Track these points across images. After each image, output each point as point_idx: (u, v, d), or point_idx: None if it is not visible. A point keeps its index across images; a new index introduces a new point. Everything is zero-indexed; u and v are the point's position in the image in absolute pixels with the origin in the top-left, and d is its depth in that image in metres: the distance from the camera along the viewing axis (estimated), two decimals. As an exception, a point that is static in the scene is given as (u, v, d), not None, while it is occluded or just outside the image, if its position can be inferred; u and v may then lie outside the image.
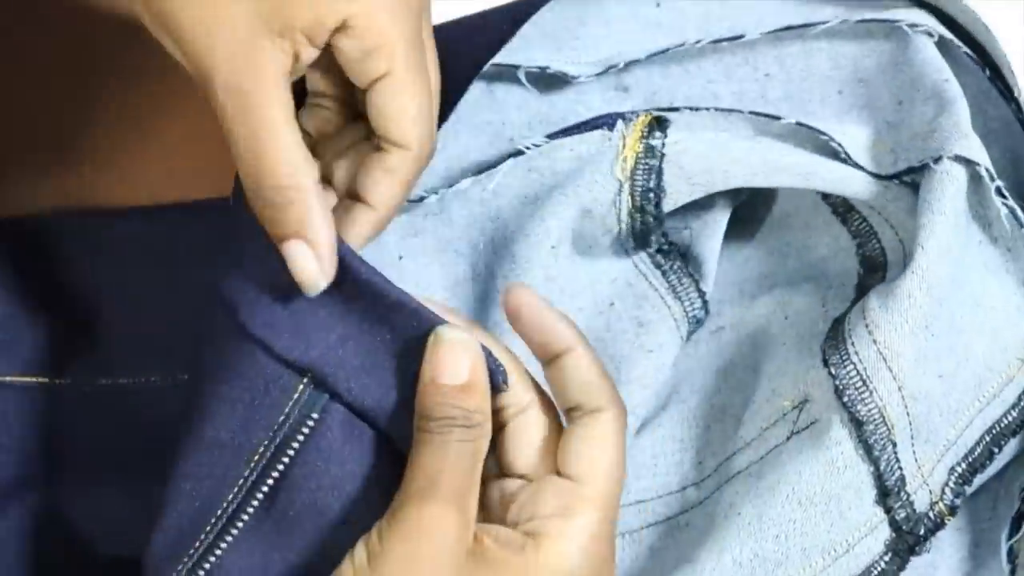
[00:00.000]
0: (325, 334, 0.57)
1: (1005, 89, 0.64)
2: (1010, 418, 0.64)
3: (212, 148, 0.74)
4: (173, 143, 0.75)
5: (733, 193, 0.68)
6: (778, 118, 0.64)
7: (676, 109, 0.64)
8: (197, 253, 0.73)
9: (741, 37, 0.64)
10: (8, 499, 0.69)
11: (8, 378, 0.71)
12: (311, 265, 0.56)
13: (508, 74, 0.66)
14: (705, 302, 0.68)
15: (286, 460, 0.58)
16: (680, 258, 0.68)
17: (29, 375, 0.72)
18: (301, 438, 0.58)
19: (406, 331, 0.57)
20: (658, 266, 0.67)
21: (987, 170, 0.61)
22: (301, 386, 0.58)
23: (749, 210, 0.69)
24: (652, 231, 0.65)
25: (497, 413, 0.57)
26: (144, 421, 0.71)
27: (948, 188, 0.61)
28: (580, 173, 0.65)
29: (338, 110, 0.61)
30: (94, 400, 0.72)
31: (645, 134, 0.64)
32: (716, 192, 0.65)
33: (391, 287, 0.57)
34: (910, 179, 0.63)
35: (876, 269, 0.66)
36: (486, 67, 0.63)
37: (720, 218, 0.67)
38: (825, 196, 0.68)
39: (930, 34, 0.64)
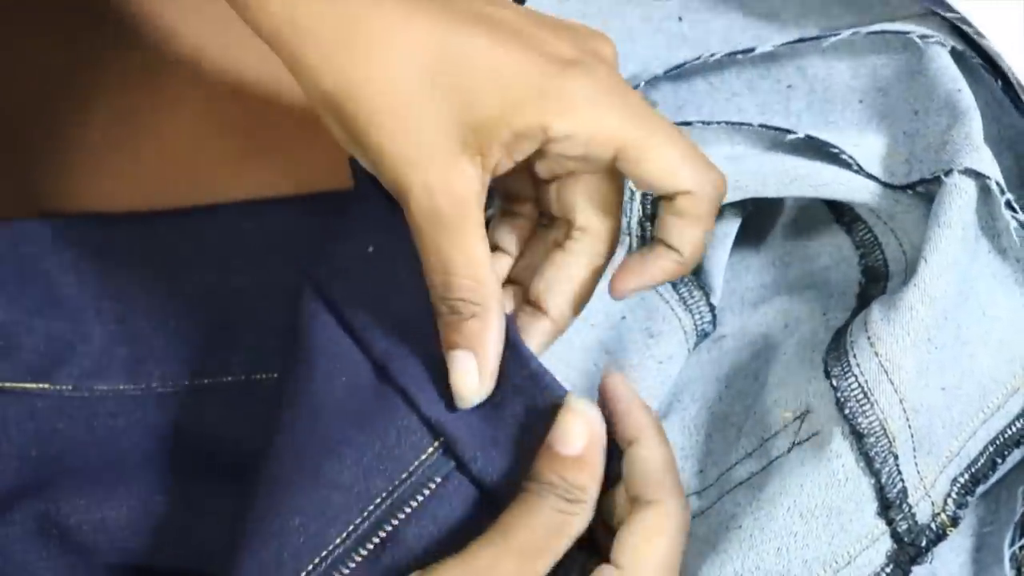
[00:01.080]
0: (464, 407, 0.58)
1: (1016, 99, 0.64)
2: (1014, 429, 0.64)
3: (208, 151, 0.74)
4: (168, 146, 0.74)
5: (740, 205, 0.67)
6: (789, 131, 0.63)
7: (688, 123, 0.64)
8: (195, 259, 0.73)
9: (752, 50, 0.64)
10: (7, 506, 0.69)
11: (7, 384, 0.71)
12: (473, 380, 0.57)
13: None
14: (714, 315, 0.68)
15: (401, 517, 0.57)
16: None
17: (28, 382, 0.72)
18: (419, 499, 0.58)
19: (537, 404, 0.57)
20: None
21: (997, 183, 0.61)
22: (431, 448, 0.58)
23: (752, 219, 0.69)
24: None
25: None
26: (145, 427, 0.71)
27: (956, 201, 0.61)
28: None
29: (531, 213, 0.62)
30: (95, 407, 0.71)
31: None
32: (725, 204, 0.65)
33: (531, 358, 0.57)
34: (924, 189, 0.63)
35: (878, 279, 0.66)
36: None
37: (729, 231, 0.67)
38: (831, 206, 0.68)
39: (943, 44, 0.63)
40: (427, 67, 0.55)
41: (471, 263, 0.56)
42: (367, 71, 0.54)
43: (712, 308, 0.68)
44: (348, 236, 0.62)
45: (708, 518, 0.66)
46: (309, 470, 0.58)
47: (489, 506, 0.57)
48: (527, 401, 0.57)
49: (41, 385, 0.72)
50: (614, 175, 0.59)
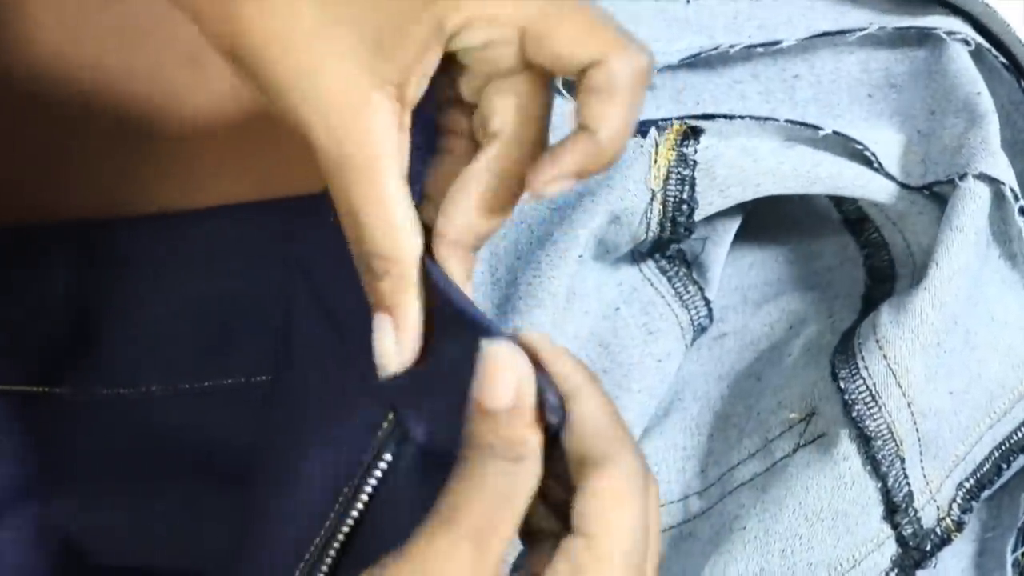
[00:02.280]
0: (412, 367, 0.54)
1: None
2: (1020, 434, 0.64)
3: (204, 154, 0.73)
4: (166, 149, 0.73)
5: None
6: (816, 127, 0.62)
7: (711, 117, 0.63)
8: (191, 263, 0.72)
9: (778, 43, 0.63)
10: (6, 509, 0.68)
11: (7, 387, 0.71)
12: (389, 346, 0.52)
13: None
14: (710, 309, 0.67)
15: (363, 500, 0.55)
16: (685, 265, 0.67)
17: (28, 384, 0.71)
18: (375, 481, 0.55)
19: (471, 353, 0.50)
20: (663, 272, 0.67)
21: (1012, 189, 0.61)
22: (386, 423, 0.55)
23: (755, 215, 0.68)
24: (680, 240, 0.65)
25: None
26: (143, 431, 0.70)
27: (969, 205, 0.60)
28: (610, 179, 0.63)
29: (468, 149, 0.56)
30: (93, 410, 0.71)
31: (678, 143, 0.63)
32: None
33: (461, 302, 0.52)
34: (938, 191, 0.63)
35: (883, 280, 0.66)
36: None
37: (730, 226, 0.67)
38: (838, 204, 0.68)
39: (967, 42, 0.63)
40: (315, 8, 0.50)
41: (382, 215, 0.51)
42: (260, 15, 0.50)
43: (708, 303, 0.67)
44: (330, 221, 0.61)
45: (711, 518, 0.65)
46: (291, 469, 0.56)
47: (440, 478, 0.52)
48: (463, 351, 0.51)
49: (41, 388, 0.71)
50: (533, 79, 0.53)
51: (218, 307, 0.72)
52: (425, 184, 0.54)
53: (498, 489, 0.48)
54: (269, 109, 0.53)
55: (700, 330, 0.67)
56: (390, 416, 0.55)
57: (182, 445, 0.70)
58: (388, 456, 0.55)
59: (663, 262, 0.67)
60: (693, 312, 0.67)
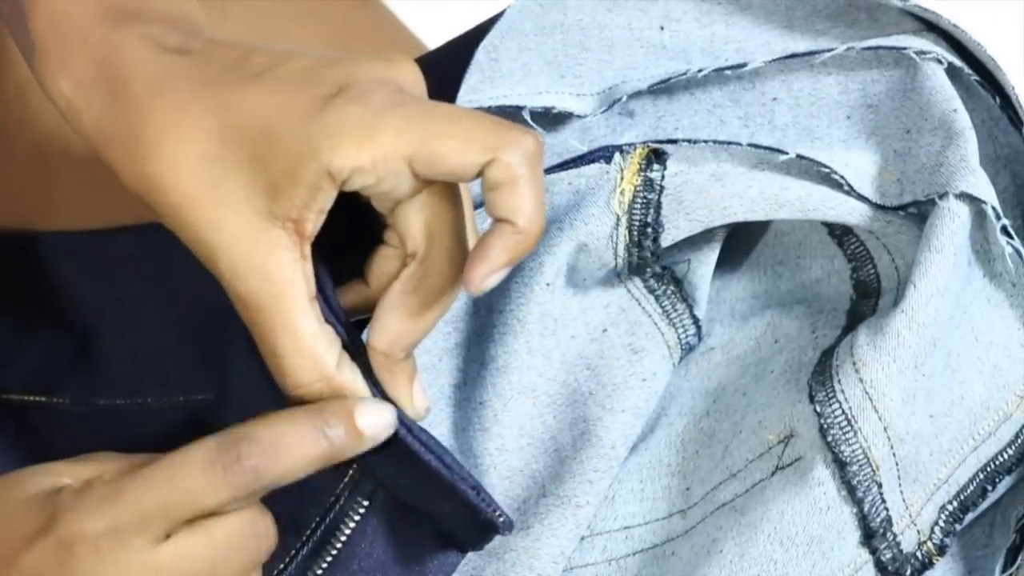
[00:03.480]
0: None
1: (1014, 116, 0.62)
2: (1006, 456, 0.62)
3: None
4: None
5: None
6: (779, 151, 0.62)
7: (674, 141, 0.63)
8: (189, 273, 0.72)
9: (744, 65, 0.62)
10: None
11: (5, 396, 0.71)
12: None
13: (512, 114, 0.64)
14: (699, 328, 0.66)
15: (341, 542, 0.59)
16: (674, 283, 0.66)
17: (27, 393, 0.72)
18: (353, 524, 0.58)
19: None
20: (651, 291, 0.66)
21: (993, 208, 0.60)
22: (350, 472, 0.59)
23: (743, 229, 0.67)
24: (649, 265, 0.64)
25: None
26: (139, 442, 0.71)
27: (949, 226, 0.59)
28: (577, 208, 0.63)
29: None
30: (91, 420, 0.72)
31: (643, 167, 0.63)
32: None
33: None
34: (916, 210, 0.62)
35: (869, 295, 0.65)
36: (488, 107, 0.62)
37: (715, 244, 0.66)
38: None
39: (939, 61, 0.61)
40: (211, 152, 0.54)
41: (295, 340, 0.55)
42: (158, 168, 0.54)
43: (696, 321, 0.66)
44: None
45: (692, 539, 0.65)
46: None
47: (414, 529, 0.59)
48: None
49: (39, 398, 0.72)
50: (438, 193, 0.56)
51: (214, 318, 0.72)
52: (367, 274, 0.59)
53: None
54: None
55: (688, 349, 0.67)
56: (353, 467, 0.58)
57: None
58: (364, 501, 0.58)
59: (651, 282, 0.66)
60: (681, 331, 0.66)
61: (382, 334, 0.56)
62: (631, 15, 0.64)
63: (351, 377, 0.56)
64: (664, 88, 0.63)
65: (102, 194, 0.74)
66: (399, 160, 0.53)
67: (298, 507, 0.58)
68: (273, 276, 0.54)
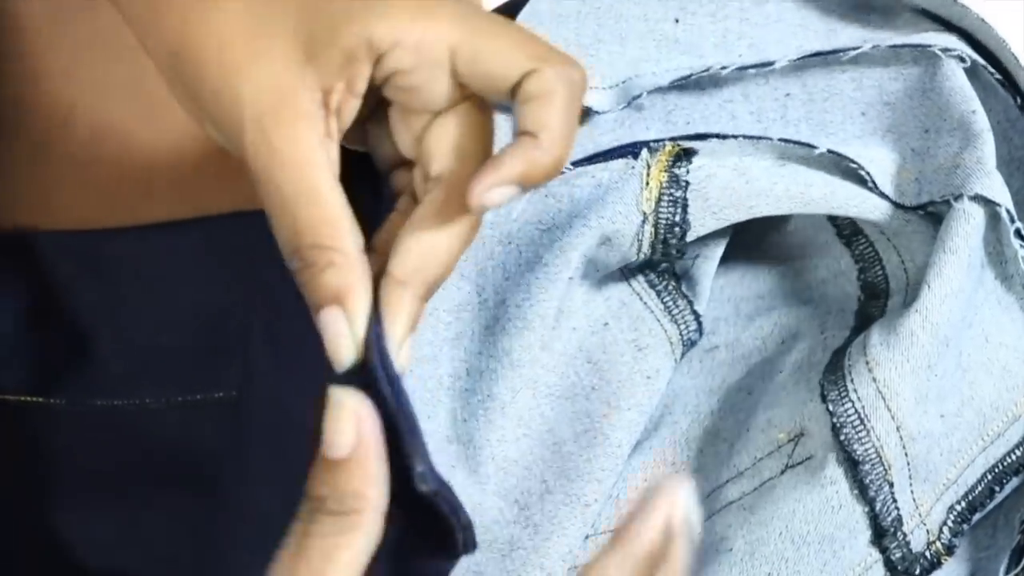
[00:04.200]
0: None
1: None
2: (1014, 457, 0.63)
3: (193, 163, 0.72)
4: (153, 159, 0.73)
5: None
6: (810, 146, 0.62)
7: (703, 137, 0.62)
8: (186, 273, 0.71)
9: (770, 64, 0.62)
10: (1, 519, 0.69)
11: (2, 396, 0.71)
12: (344, 337, 0.50)
13: None
14: (700, 323, 0.66)
15: None
16: (674, 279, 0.66)
17: (24, 394, 0.71)
18: None
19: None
20: (652, 286, 0.66)
21: (1007, 211, 0.60)
22: None
23: (749, 226, 0.67)
24: (673, 262, 0.64)
25: None
26: (137, 443, 0.70)
27: (963, 227, 0.60)
28: (602, 202, 0.62)
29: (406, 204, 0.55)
30: (89, 421, 0.70)
31: (670, 164, 0.62)
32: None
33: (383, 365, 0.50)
34: (933, 210, 0.62)
35: (877, 296, 0.65)
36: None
37: (721, 241, 0.66)
38: (832, 217, 0.66)
39: (962, 59, 0.62)
40: (251, 8, 0.51)
41: (319, 207, 0.50)
42: (197, 20, 0.51)
43: (698, 316, 0.66)
44: None
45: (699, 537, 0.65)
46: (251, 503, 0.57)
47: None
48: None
49: (36, 399, 0.71)
50: (469, 113, 0.52)
51: (211, 318, 0.71)
52: (375, 242, 0.53)
53: (322, 547, 0.47)
54: (203, 127, 0.53)
55: (689, 344, 0.66)
56: None
57: (175, 457, 0.70)
58: None
59: (652, 276, 0.66)
60: (683, 326, 0.66)
61: (405, 261, 0.51)
62: (648, 5, 0.64)
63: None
64: (676, 83, 0.63)
65: (102, 194, 0.73)
66: (443, 48, 0.50)
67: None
68: (301, 136, 0.50)
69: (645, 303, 0.65)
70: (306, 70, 0.50)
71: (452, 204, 0.51)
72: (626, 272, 0.66)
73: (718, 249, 0.66)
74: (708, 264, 0.66)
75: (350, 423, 0.47)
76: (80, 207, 0.73)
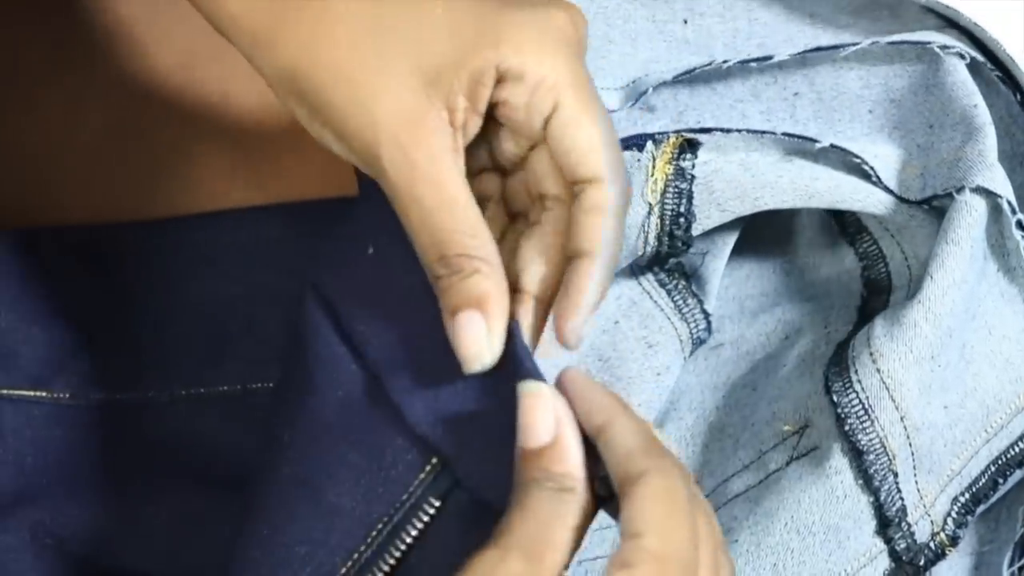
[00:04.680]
0: (459, 409, 0.55)
1: None
2: (1017, 449, 0.63)
3: (198, 159, 0.73)
4: (158, 154, 0.73)
5: None
6: (812, 139, 0.62)
7: (708, 131, 0.63)
8: (189, 268, 0.72)
9: (770, 58, 0.63)
10: (5, 513, 0.69)
11: (5, 391, 0.71)
12: (483, 340, 0.53)
13: None
14: (709, 322, 0.67)
15: (407, 542, 0.55)
16: (684, 278, 0.66)
17: (26, 389, 0.71)
18: (420, 523, 0.55)
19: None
20: (662, 284, 0.66)
21: (1009, 203, 0.60)
22: (429, 467, 0.55)
23: (753, 225, 0.68)
24: (679, 255, 0.64)
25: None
26: (140, 437, 0.70)
27: (966, 219, 0.60)
28: None
29: (499, 216, 0.58)
30: (92, 415, 0.71)
31: (675, 156, 0.63)
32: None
33: (531, 362, 0.53)
34: (937, 204, 0.62)
35: (880, 292, 0.65)
36: None
37: (729, 239, 0.66)
38: (836, 215, 0.67)
39: (962, 56, 0.62)
40: (371, 26, 0.53)
41: (462, 215, 0.53)
42: (315, 44, 0.53)
43: (707, 315, 0.66)
44: (349, 238, 0.61)
45: (703, 530, 0.65)
46: (309, 495, 0.56)
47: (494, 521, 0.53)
48: (511, 397, 0.53)
49: (39, 393, 0.71)
50: (582, 136, 0.55)
51: (215, 312, 0.72)
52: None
53: (546, 510, 0.50)
54: (322, 139, 0.55)
55: (698, 343, 0.67)
56: (434, 461, 0.55)
57: (179, 451, 0.70)
58: (435, 502, 0.55)
59: (662, 275, 0.66)
60: (692, 325, 0.66)
61: (532, 279, 0.55)
62: (656, 7, 0.65)
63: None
64: (685, 82, 0.64)
65: (106, 190, 0.73)
66: (551, 100, 0.54)
67: (366, 502, 0.56)
68: (436, 152, 0.53)
69: (655, 301, 0.66)
70: (431, 92, 0.53)
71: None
72: (636, 270, 0.66)
73: (726, 248, 0.67)
74: (717, 262, 0.66)
75: (547, 412, 0.52)
76: (86, 202, 0.73)
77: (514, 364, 0.53)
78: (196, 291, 0.72)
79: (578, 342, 0.54)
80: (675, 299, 0.66)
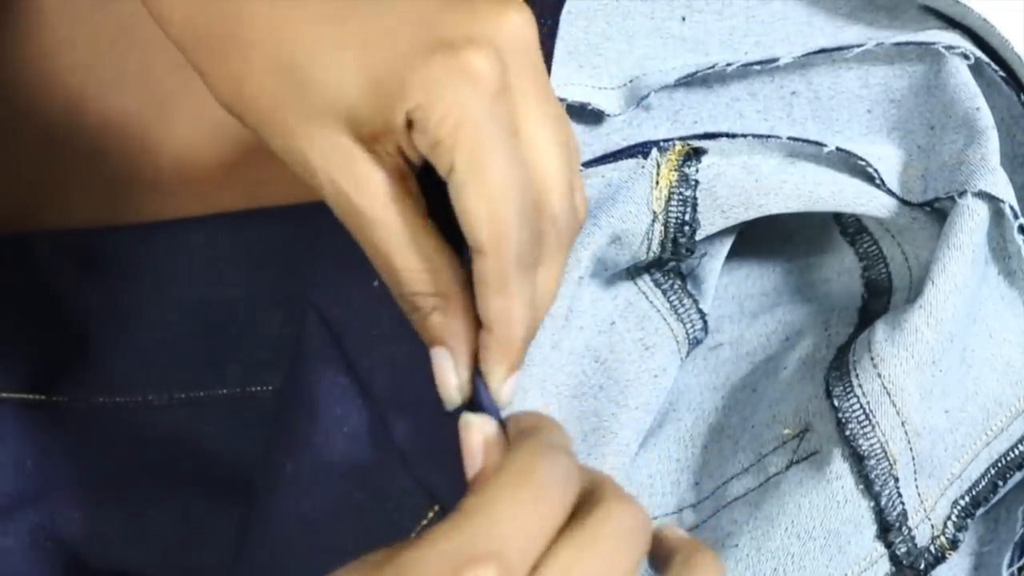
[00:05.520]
0: (456, 453, 0.53)
1: None
2: (1017, 452, 0.63)
3: (200, 160, 0.72)
4: (156, 157, 0.73)
5: None
6: (820, 144, 0.62)
7: (713, 136, 0.63)
8: (189, 271, 0.71)
9: (775, 61, 0.62)
10: (5, 516, 0.68)
11: (4, 394, 0.70)
12: (450, 379, 0.53)
13: None
14: (705, 322, 0.66)
15: None
16: (680, 278, 0.66)
17: (25, 392, 0.71)
18: None
19: None
20: (658, 285, 0.66)
21: (1011, 207, 0.60)
22: (432, 513, 0.56)
23: (753, 225, 0.68)
24: (682, 260, 0.64)
25: None
26: (140, 440, 0.70)
27: (968, 223, 0.60)
28: (612, 201, 0.62)
29: None
30: (90, 418, 0.71)
31: (680, 163, 0.62)
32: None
33: (487, 396, 0.53)
34: (939, 206, 0.62)
35: (881, 294, 0.65)
36: None
37: (727, 239, 0.66)
38: (837, 216, 0.67)
39: (966, 56, 0.62)
40: (294, 62, 0.51)
41: (412, 252, 0.52)
42: (241, 77, 0.52)
43: (703, 316, 0.66)
44: (354, 266, 0.60)
45: (703, 532, 0.65)
46: (311, 531, 0.56)
47: None
48: None
49: (38, 396, 0.71)
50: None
51: (214, 316, 0.72)
52: None
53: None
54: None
55: (695, 343, 0.67)
56: (436, 508, 0.56)
57: (178, 454, 0.70)
58: None
59: (658, 276, 0.66)
60: (688, 325, 0.66)
61: (485, 312, 0.53)
62: (655, 3, 0.64)
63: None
64: (682, 81, 0.63)
65: (108, 190, 0.73)
66: (447, 160, 0.51)
67: (368, 542, 0.55)
68: (373, 187, 0.51)
69: (651, 302, 0.66)
70: (359, 135, 0.51)
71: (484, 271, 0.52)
72: (632, 272, 0.66)
73: (723, 248, 0.66)
74: (714, 263, 0.66)
75: (478, 436, 0.51)
76: (86, 204, 0.73)
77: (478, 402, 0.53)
78: (195, 294, 0.72)
79: (506, 400, 0.53)
80: (671, 299, 0.66)
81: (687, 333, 0.66)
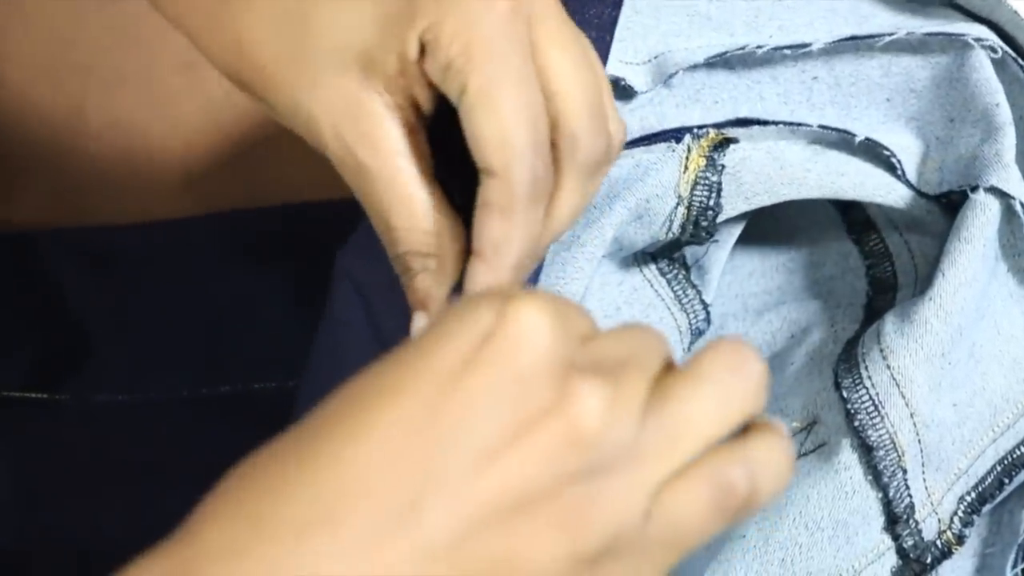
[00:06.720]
0: None
1: None
2: (1022, 450, 0.63)
3: (198, 160, 0.73)
4: (159, 155, 0.73)
5: None
6: (849, 133, 0.62)
7: (745, 123, 0.63)
8: (192, 268, 0.72)
9: (806, 46, 0.62)
10: (5, 515, 0.68)
11: (6, 393, 0.70)
12: None
13: None
14: (708, 313, 0.67)
15: None
16: (684, 268, 0.67)
17: (28, 390, 0.71)
18: None
19: None
20: (663, 274, 0.66)
21: (1022, 204, 0.61)
22: None
23: (756, 223, 0.68)
24: (701, 243, 0.64)
25: None
26: (143, 438, 0.70)
27: (979, 218, 0.60)
28: (640, 182, 0.62)
29: None
30: (93, 416, 0.70)
31: (710, 150, 0.63)
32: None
33: None
34: (954, 199, 0.63)
35: (886, 291, 0.66)
36: None
37: (735, 230, 0.66)
38: (844, 212, 0.67)
39: (993, 50, 0.63)
40: (300, 8, 0.50)
41: (411, 210, 0.50)
42: (240, 30, 0.51)
43: (706, 306, 0.67)
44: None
45: (709, 526, 0.65)
46: None
47: None
48: None
49: (40, 395, 0.71)
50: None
51: (216, 315, 0.72)
52: None
53: None
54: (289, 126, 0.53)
55: (697, 334, 0.67)
56: None
57: (181, 452, 0.70)
58: None
59: (663, 264, 0.66)
60: (691, 315, 0.66)
61: (479, 239, 0.50)
62: None
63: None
64: (710, 61, 0.64)
65: (111, 190, 0.73)
66: (458, 83, 0.49)
67: None
68: (377, 138, 0.50)
69: (656, 291, 0.66)
70: (366, 77, 0.50)
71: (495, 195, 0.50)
72: (639, 259, 0.66)
73: (730, 239, 0.67)
74: (720, 252, 0.66)
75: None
76: (87, 203, 0.73)
77: None
78: (196, 293, 0.72)
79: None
80: (675, 288, 0.66)
81: (690, 323, 0.66)
